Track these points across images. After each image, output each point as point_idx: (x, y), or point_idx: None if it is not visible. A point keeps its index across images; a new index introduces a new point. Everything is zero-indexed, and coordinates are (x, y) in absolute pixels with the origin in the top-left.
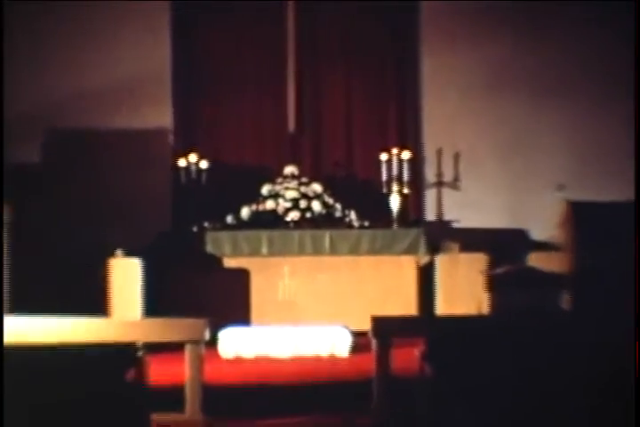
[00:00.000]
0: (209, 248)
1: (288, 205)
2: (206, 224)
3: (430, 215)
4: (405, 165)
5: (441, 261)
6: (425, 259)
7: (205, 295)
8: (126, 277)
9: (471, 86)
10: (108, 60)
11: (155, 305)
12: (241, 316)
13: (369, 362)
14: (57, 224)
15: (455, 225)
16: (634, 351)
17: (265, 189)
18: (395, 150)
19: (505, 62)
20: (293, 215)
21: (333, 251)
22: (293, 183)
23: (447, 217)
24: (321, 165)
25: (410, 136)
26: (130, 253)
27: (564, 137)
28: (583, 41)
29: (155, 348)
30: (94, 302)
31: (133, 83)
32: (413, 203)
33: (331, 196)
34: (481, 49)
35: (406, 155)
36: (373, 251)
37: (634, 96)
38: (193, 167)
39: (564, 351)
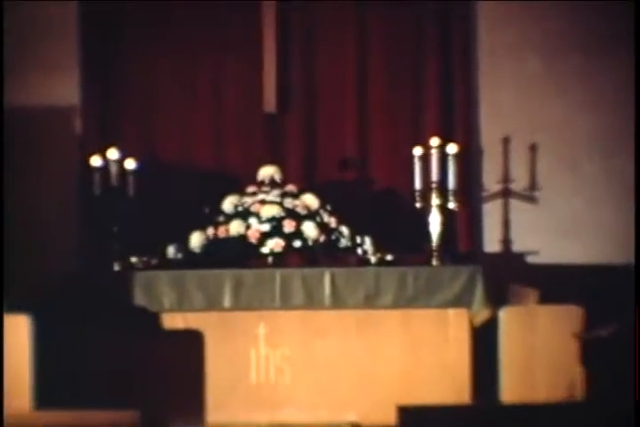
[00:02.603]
0: (139, 298)
1: (265, 228)
2: (134, 259)
3: (491, 244)
4: (451, 165)
5: (509, 318)
6: (483, 314)
7: (136, 374)
8: (9, 344)
9: (559, 46)
10: None
11: (54, 389)
12: (191, 406)
13: None
14: None
15: (531, 260)
16: None
17: (228, 204)
18: (434, 141)
19: (612, 11)
20: (274, 245)
21: (338, 301)
22: (273, 194)
23: (518, 247)
24: (317, 164)
25: (458, 119)
26: (13, 305)
27: None
28: None
29: None
30: None
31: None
32: (464, 224)
33: (332, 214)
34: None
35: (453, 148)
36: (402, 301)
37: None
38: (114, 168)
39: None
